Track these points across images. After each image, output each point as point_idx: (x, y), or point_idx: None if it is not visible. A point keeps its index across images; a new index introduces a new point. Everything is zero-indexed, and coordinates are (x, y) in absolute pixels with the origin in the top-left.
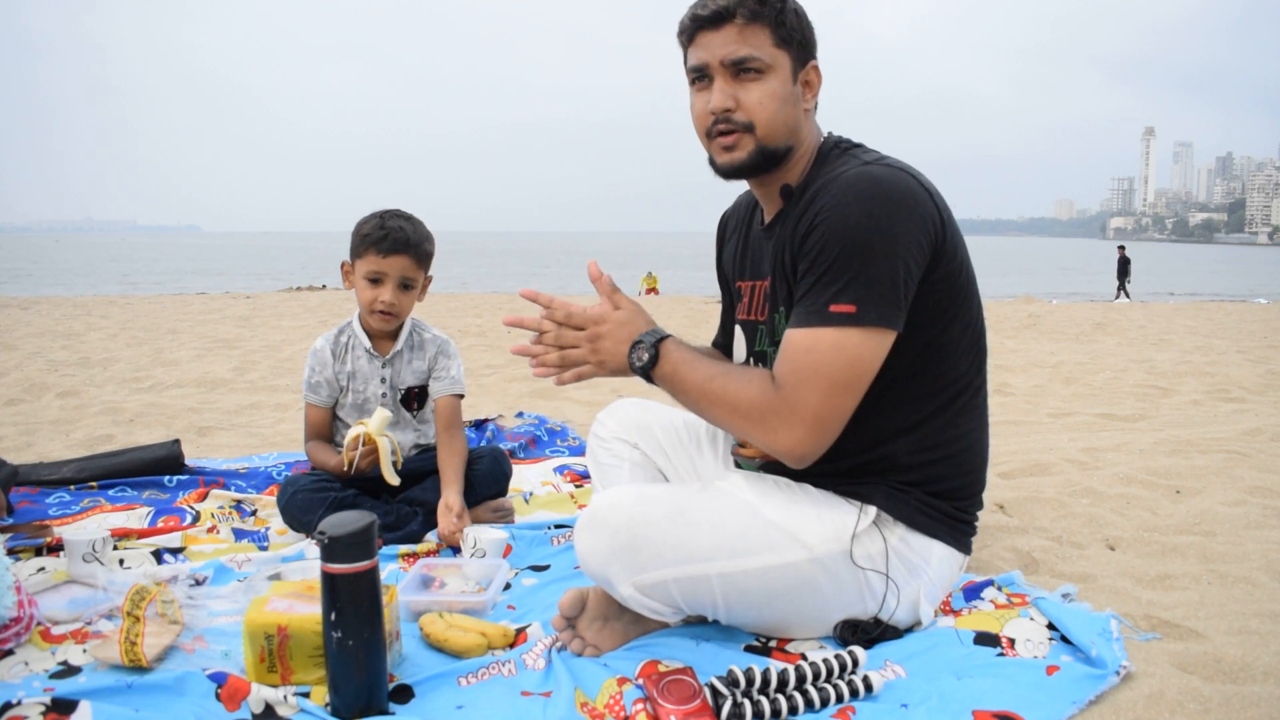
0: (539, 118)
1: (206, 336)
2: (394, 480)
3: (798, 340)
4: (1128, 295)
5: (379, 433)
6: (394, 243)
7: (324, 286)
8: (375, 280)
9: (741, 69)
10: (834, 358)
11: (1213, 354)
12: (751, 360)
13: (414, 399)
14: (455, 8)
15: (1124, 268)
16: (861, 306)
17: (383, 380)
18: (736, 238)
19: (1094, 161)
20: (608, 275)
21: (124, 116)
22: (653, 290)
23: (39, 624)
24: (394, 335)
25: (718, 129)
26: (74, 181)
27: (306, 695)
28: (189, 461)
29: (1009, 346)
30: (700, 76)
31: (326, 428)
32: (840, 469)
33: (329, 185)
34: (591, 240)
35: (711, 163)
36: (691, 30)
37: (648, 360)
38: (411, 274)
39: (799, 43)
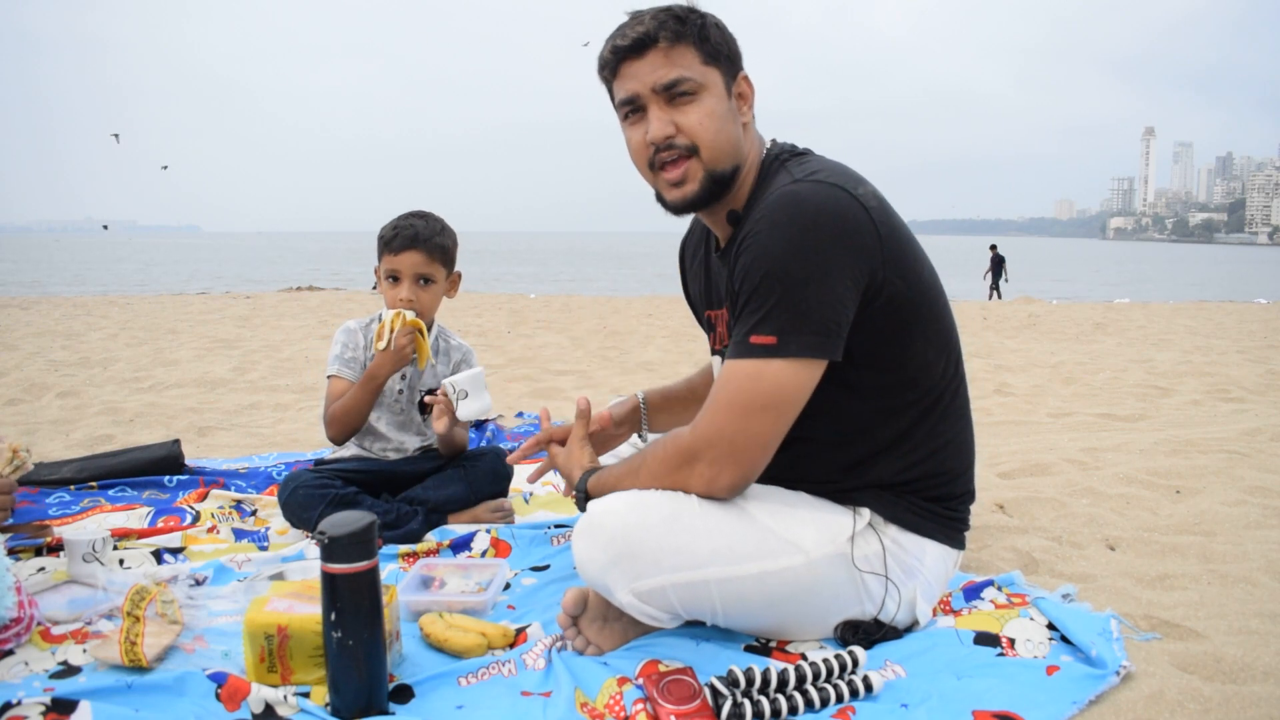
0: (541, 118)
1: (206, 336)
2: (430, 358)
3: (720, 372)
4: (1000, 295)
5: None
6: (403, 239)
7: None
8: (394, 279)
9: (675, 93)
10: (748, 385)
11: (1213, 354)
12: None
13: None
14: (456, 8)
15: (997, 267)
16: (783, 336)
17: (403, 377)
18: (696, 263)
19: (1094, 161)
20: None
21: (124, 116)
22: None
23: (39, 624)
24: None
25: (660, 159)
26: (74, 181)
27: (306, 695)
28: (189, 461)
29: (1009, 346)
30: (633, 109)
31: None
32: (827, 491)
33: (329, 185)
34: (594, 240)
35: (660, 200)
36: (614, 63)
37: (583, 500)
38: (426, 269)
39: (726, 56)
